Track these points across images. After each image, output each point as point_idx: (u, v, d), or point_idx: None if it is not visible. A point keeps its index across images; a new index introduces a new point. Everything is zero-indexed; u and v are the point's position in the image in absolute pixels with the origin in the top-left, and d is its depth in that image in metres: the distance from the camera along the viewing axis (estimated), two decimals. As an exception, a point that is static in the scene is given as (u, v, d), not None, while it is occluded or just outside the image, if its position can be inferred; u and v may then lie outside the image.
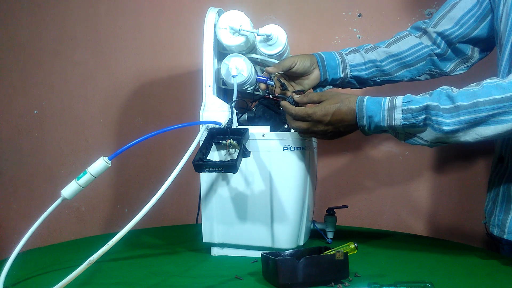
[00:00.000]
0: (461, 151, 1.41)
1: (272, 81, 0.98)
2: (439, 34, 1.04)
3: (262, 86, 0.98)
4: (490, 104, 0.75)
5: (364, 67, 1.06)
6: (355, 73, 1.06)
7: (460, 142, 0.79)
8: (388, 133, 0.85)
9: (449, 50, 1.05)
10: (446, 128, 0.78)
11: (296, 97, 0.92)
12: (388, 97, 0.82)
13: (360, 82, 1.08)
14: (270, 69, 0.98)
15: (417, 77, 1.09)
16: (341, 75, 1.05)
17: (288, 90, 1.00)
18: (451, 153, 1.43)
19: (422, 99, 0.80)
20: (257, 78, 0.98)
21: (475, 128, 0.77)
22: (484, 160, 1.41)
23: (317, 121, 0.85)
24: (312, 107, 0.87)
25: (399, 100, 0.81)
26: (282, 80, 1.00)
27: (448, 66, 1.08)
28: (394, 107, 0.81)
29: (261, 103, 1.02)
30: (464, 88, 0.79)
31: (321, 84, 1.06)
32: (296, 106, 0.90)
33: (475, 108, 0.76)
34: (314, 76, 1.04)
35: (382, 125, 0.82)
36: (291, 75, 1.03)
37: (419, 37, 1.07)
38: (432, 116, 0.78)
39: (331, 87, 1.09)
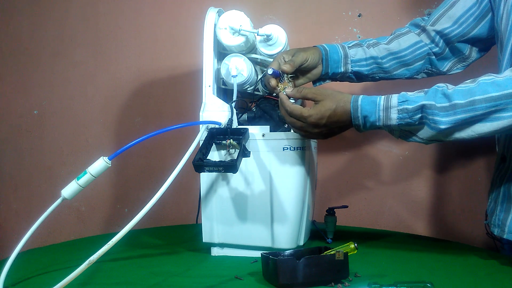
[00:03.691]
0: (461, 151, 1.41)
1: (283, 78, 0.92)
2: (438, 32, 1.03)
3: (273, 82, 0.91)
4: (487, 102, 0.75)
5: (365, 62, 1.05)
6: (355, 69, 1.05)
7: (456, 139, 0.79)
8: (382, 129, 0.85)
9: (447, 49, 1.05)
10: (442, 126, 0.78)
11: (289, 91, 0.89)
12: (383, 96, 0.82)
13: (359, 78, 1.07)
14: (285, 67, 0.92)
15: (415, 76, 1.09)
16: (342, 70, 1.03)
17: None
18: (451, 153, 1.42)
19: (417, 98, 0.79)
20: (273, 71, 0.89)
21: (471, 126, 0.77)
22: (484, 159, 1.41)
23: (312, 124, 0.85)
24: (306, 107, 0.86)
25: (394, 99, 0.80)
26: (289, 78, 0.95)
27: (445, 66, 1.07)
28: (390, 107, 0.80)
29: (258, 106, 1.01)
30: (459, 85, 0.79)
31: (321, 77, 1.04)
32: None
33: (472, 107, 0.76)
34: (317, 70, 1.01)
35: (377, 124, 0.82)
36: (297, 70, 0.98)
37: (418, 35, 1.06)
38: (428, 115, 0.78)
39: (329, 81, 1.07)
